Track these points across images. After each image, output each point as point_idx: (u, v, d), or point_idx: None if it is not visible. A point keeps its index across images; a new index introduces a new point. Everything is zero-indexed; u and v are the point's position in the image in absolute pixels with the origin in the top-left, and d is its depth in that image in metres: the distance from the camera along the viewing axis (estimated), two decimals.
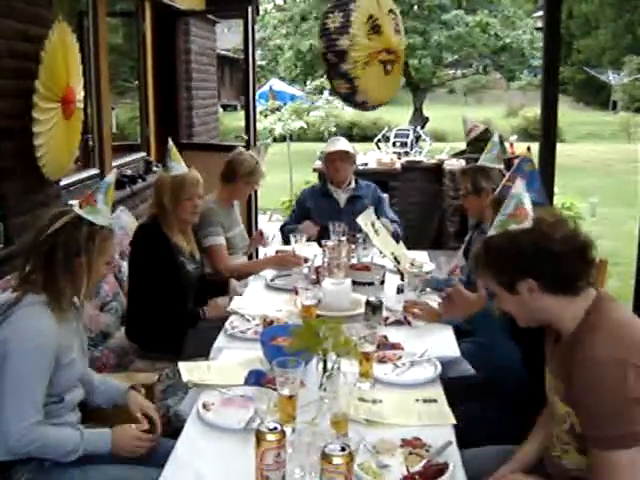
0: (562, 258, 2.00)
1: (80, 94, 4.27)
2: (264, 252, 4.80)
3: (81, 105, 4.31)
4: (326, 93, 14.86)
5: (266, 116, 14.27)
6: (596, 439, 1.91)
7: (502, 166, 3.87)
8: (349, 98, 6.18)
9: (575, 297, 2.04)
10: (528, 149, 3.42)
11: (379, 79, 5.72)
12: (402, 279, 3.64)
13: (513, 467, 2.24)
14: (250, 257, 5.00)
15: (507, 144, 8.44)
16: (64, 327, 2.41)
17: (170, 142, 3.85)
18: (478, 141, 7.46)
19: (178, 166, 3.77)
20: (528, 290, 2.04)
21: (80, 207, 2.45)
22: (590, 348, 1.92)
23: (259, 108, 15.00)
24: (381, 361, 2.77)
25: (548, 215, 2.11)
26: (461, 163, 8.24)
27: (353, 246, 4.10)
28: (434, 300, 3.35)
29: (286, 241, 4.76)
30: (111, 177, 2.57)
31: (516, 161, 3.27)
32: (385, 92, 5.89)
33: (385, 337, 2.98)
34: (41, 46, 3.72)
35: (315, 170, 8.70)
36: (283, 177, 13.27)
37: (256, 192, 7.69)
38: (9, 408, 2.28)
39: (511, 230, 2.08)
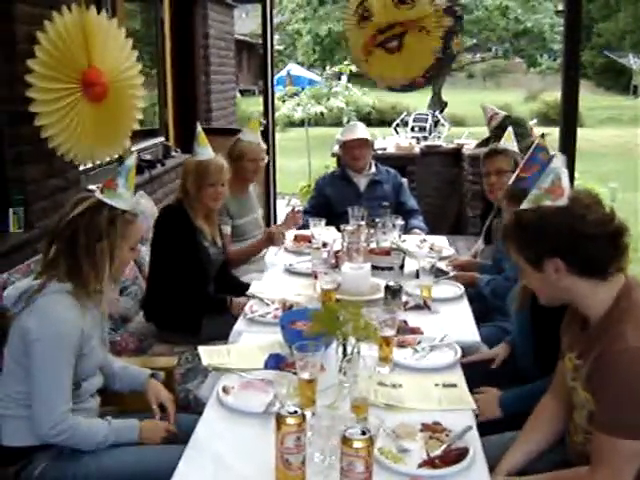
0: (593, 242, 1.95)
1: (135, 79, 4.40)
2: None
3: (133, 91, 4.40)
4: (344, 79, 14.72)
5: (284, 101, 14.20)
6: (609, 425, 1.90)
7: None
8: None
9: (603, 282, 2.00)
10: (542, 136, 3.30)
11: (386, 62, 5.60)
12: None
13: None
14: None
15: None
16: (87, 315, 2.41)
17: (199, 127, 3.85)
18: (499, 129, 7.37)
19: (205, 151, 3.76)
20: (554, 269, 2.00)
21: (101, 192, 2.44)
22: (620, 336, 1.89)
23: (277, 94, 14.94)
24: (401, 345, 2.76)
25: (585, 196, 2.05)
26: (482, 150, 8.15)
27: (372, 230, 4.08)
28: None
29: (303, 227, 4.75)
30: (131, 161, 2.53)
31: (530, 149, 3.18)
32: (400, 71, 5.74)
33: (405, 322, 2.96)
34: (40, 27, 3.67)
35: (334, 155, 8.66)
36: (302, 162, 13.26)
37: (275, 176, 7.69)
38: (37, 396, 2.29)
39: (545, 206, 2.03)
